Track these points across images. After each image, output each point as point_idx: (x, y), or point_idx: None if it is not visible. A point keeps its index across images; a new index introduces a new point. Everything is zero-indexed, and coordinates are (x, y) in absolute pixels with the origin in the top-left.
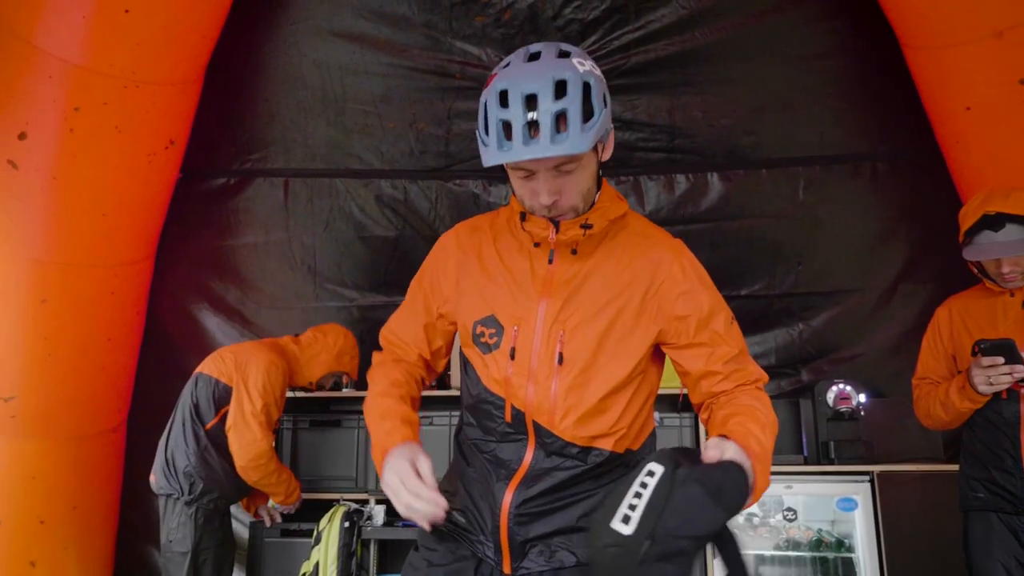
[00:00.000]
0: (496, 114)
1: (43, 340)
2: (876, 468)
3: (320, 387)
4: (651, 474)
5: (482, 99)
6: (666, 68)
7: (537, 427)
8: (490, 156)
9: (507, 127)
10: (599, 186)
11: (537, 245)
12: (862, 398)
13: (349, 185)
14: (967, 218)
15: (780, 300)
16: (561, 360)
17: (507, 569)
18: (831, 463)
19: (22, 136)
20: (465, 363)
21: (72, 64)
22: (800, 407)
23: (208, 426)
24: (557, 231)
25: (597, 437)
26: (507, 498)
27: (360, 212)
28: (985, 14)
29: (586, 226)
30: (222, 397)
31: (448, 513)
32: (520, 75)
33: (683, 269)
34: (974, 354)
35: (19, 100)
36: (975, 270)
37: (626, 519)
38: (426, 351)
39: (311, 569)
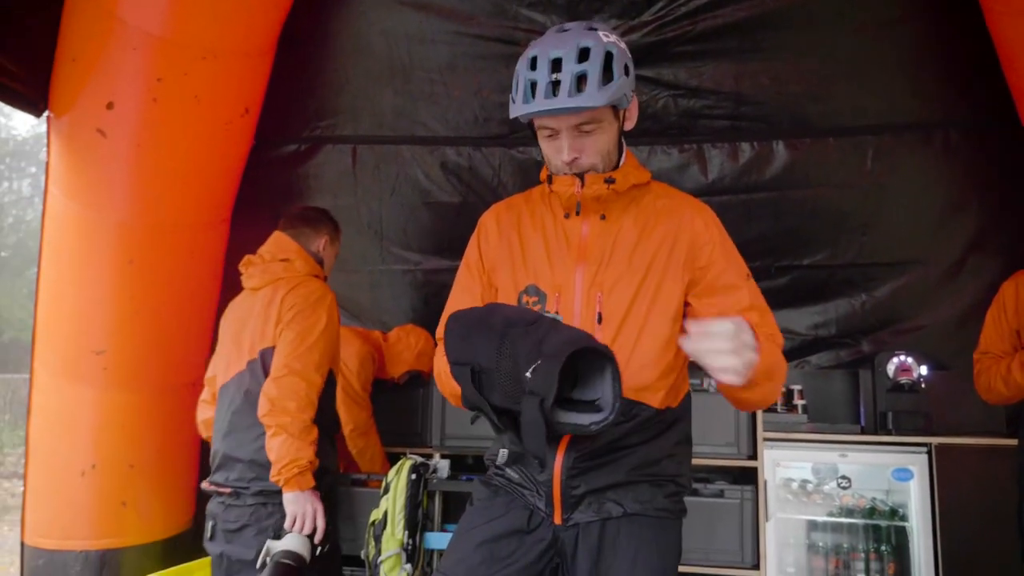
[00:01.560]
0: (525, 76)
1: (129, 298)
2: (935, 440)
3: (399, 382)
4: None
5: (517, 66)
6: (734, 34)
7: None
8: (515, 110)
9: (533, 86)
10: (621, 152)
11: (567, 216)
12: (924, 370)
13: (415, 152)
14: None
15: (843, 270)
16: (600, 319)
17: (558, 520)
18: (888, 434)
19: (110, 106)
20: None
21: (155, 36)
22: (859, 377)
23: None
24: (583, 186)
25: (643, 390)
26: (559, 458)
27: (425, 178)
28: None
29: (609, 180)
30: None
31: (502, 469)
32: (549, 43)
33: (706, 225)
34: None
35: (107, 71)
36: None
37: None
38: None
39: (380, 517)
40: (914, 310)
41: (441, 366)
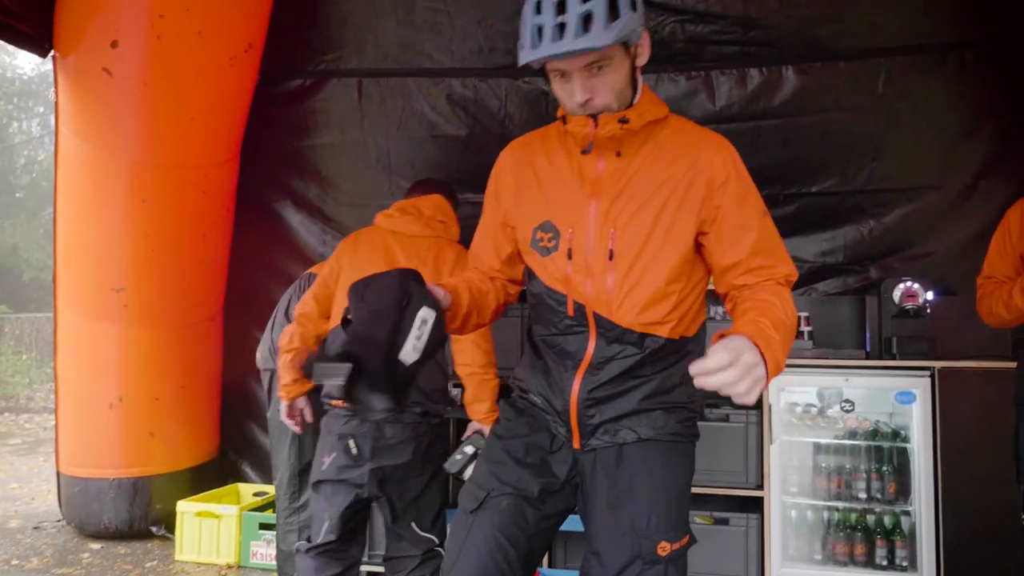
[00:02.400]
0: (531, 20)
1: (145, 237)
2: (938, 364)
3: None
4: (425, 322)
5: (523, 11)
6: None
7: (597, 318)
8: (524, 56)
9: (539, 30)
10: (635, 89)
11: (584, 152)
12: (930, 295)
13: (420, 84)
14: None
15: (852, 197)
16: (612, 256)
17: (576, 445)
18: (892, 358)
19: (114, 44)
20: (527, 269)
21: None
22: (866, 304)
23: None
24: (596, 126)
25: (653, 324)
26: (575, 386)
27: (431, 111)
28: None
29: (623, 120)
30: None
31: (525, 393)
32: None
33: (724, 161)
34: None
35: (110, 9)
36: None
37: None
38: (496, 260)
39: None
40: (924, 236)
41: None
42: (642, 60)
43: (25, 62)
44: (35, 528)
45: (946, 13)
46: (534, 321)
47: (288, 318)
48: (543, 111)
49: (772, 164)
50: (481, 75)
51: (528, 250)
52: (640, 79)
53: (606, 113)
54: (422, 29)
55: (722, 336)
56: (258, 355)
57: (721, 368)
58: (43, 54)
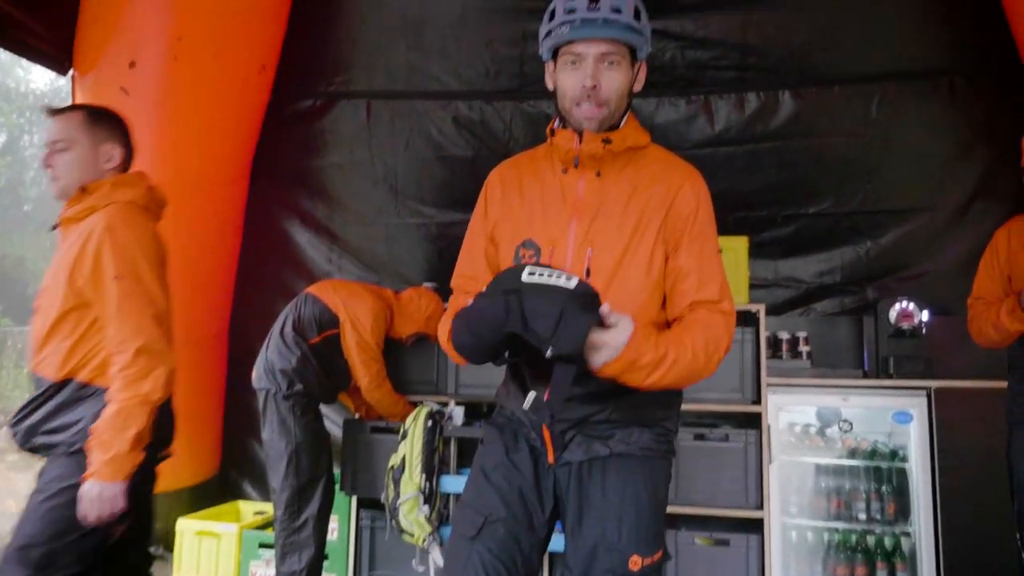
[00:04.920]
0: (563, 4)
1: None
2: (934, 383)
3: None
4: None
5: (547, 13)
6: None
7: None
8: (552, 38)
9: (571, 12)
10: (626, 110)
11: (566, 171)
12: (925, 315)
13: (428, 106)
14: None
15: (848, 218)
16: (588, 274)
17: (551, 460)
18: (889, 378)
19: (132, 65)
20: None
21: None
22: (863, 324)
23: (310, 342)
24: (581, 142)
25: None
26: (545, 399)
27: (438, 132)
28: None
29: (606, 140)
30: (325, 320)
31: (503, 408)
32: None
33: (695, 193)
34: None
35: (130, 31)
36: None
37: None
38: (490, 277)
39: (399, 462)
40: (919, 257)
41: (445, 336)
42: (638, 86)
43: (39, 77)
44: None
45: (935, 41)
46: None
47: (283, 337)
48: (547, 133)
49: (769, 186)
50: (487, 98)
51: (509, 266)
52: (631, 105)
53: (590, 132)
54: (431, 53)
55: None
56: (254, 374)
57: (607, 343)
58: (63, 72)
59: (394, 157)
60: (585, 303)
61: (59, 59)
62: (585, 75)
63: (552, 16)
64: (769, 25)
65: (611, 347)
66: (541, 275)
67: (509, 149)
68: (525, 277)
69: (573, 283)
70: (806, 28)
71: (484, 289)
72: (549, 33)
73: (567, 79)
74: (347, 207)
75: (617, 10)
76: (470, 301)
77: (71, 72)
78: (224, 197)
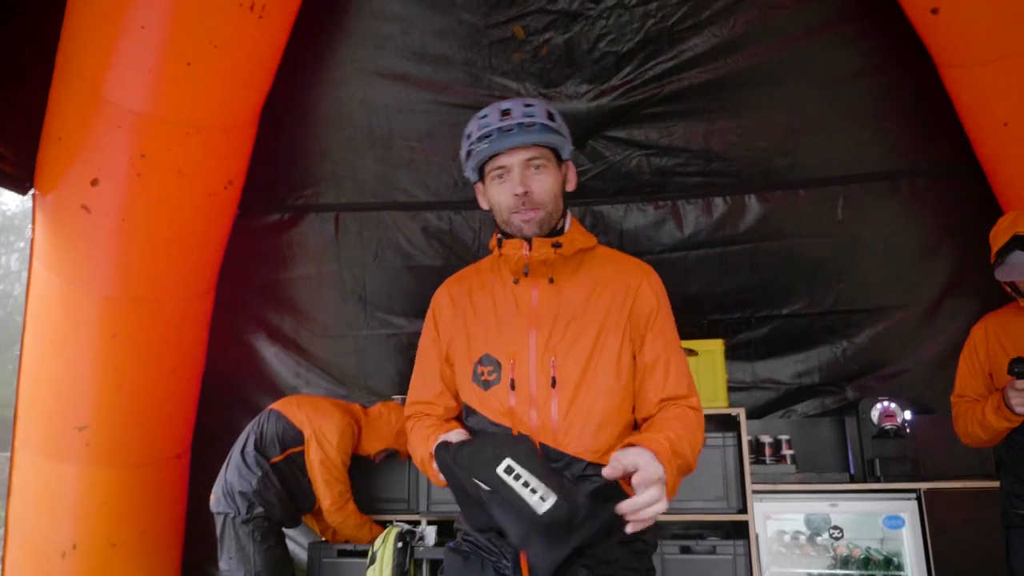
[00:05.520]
0: (479, 124)
1: (114, 372)
2: (923, 485)
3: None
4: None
5: (464, 136)
6: (701, 95)
7: (544, 448)
8: (473, 157)
9: (487, 136)
10: (565, 214)
11: (517, 282)
12: (908, 415)
13: (396, 217)
14: (997, 238)
15: (822, 318)
16: (555, 383)
17: None
18: (877, 481)
19: (94, 182)
20: (464, 407)
21: (139, 113)
22: (845, 425)
23: (272, 460)
24: (530, 249)
25: (600, 452)
26: None
27: (407, 243)
28: (1017, 30)
29: (556, 244)
30: (289, 438)
31: (469, 536)
32: (496, 103)
33: (653, 290)
34: (1010, 372)
35: (92, 149)
36: (1008, 289)
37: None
38: (450, 399)
39: None
40: (896, 354)
41: (419, 453)
42: (570, 186)
43: (9, 198)
44: None
45: (894, 142)
46: None
47: (244, 457)
48: (492, 246)
49: (742, 288)
50: (455, 207)
51: (468, 385)
52: (568, 209)
53: (539, 237)
54: (399, 165)
55: (631, 445)
56: (212, 497)
57: (654, 501)
58: (23, 192)
59: (363, 268)
60: (553, 530)
61: (19, 178)
62: (515, 184)
63: (469, 137)
64: (731, 133)
65: (656, 484)
66: (518, 478)
67: (478, 257)
68: (501, 473)
69: (546, 505)
70: (767, 134)
71: (454, 445)
72: (470, 153)
73: (498, 193)
74: (315, 320)
75: (530, 115)
76: (431, 435)
77: (32, 191)
78: (188, 312)
